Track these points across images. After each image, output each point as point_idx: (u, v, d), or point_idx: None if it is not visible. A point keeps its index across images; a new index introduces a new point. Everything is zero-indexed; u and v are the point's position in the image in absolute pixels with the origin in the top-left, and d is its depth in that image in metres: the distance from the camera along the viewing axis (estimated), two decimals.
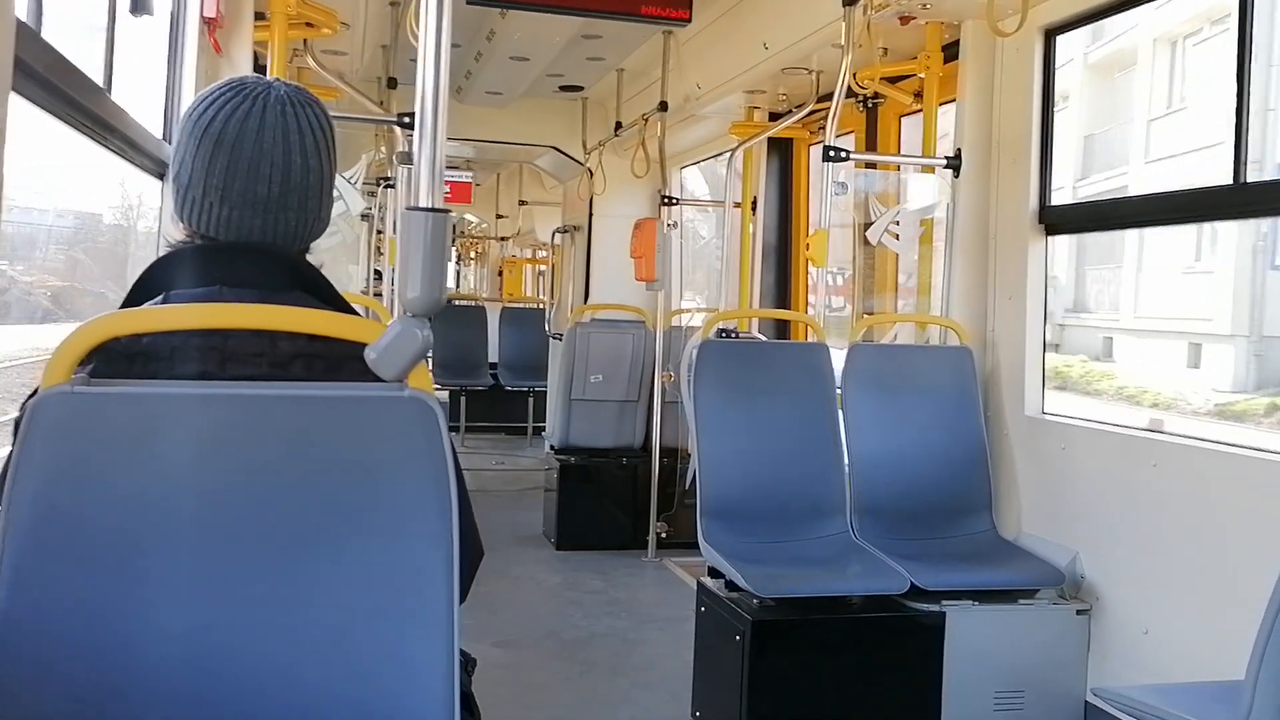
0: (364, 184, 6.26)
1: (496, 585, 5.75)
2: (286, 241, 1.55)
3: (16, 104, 1.77)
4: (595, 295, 8.02)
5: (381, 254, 8.08)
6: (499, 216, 13.26)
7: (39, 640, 1.28)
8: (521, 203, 12.14)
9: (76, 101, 2.24)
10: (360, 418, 1.35)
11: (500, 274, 14.78)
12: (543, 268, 14.11)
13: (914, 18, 4.30)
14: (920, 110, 4.94)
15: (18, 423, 1.30)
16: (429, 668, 1.34)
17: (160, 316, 1.41)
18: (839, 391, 4.10)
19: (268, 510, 1.33)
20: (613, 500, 6.89)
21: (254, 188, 1.50)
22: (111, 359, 1.39)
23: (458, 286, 16.78)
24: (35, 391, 1.29)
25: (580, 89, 7.55)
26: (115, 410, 1.31)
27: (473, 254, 16.52)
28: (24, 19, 1.91)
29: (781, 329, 6.76)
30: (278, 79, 1.58)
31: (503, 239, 14.04)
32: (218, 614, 1.31)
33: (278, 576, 1.32)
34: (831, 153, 4.23)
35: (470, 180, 11.56)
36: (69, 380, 1.28)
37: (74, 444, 1.29)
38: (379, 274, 8.34)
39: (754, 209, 7.06)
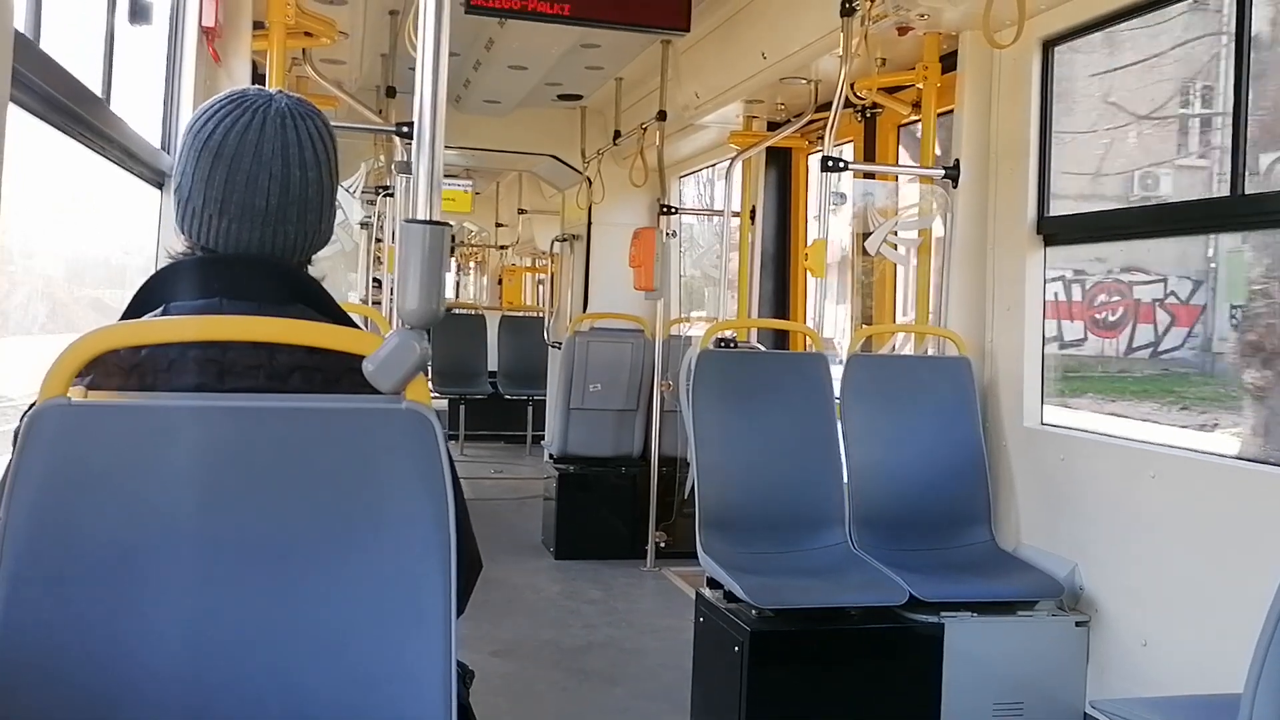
0: (363, 192, 6.27)
1: (496, 594, 5.74)
2: (286, 253, 1.54)
3: (15, 115, 1.77)
4: (594, 304, 8.02)
5: (381, 263, 8.08)
6: (499, 225, 13.27)
7: (38, 651, 1.27)
8: (521, 211, 12.16)
9: (75, 112, 2.24)
10: (357, 430, 1.35)
11: (500, 282, 14.78)
12: (542, 276, 14.11)
13: (912, 28, 4.30)
14: (918, 120, 4.95)
15: (16, 434, 1.30)
16: (426, 679, 1.33)
17: (159, 329, 1.40)
18: (837, 402, 4.10)
19: (265, 522, 1.32)
20: (612, 509, 6.88)
21: (253, 200, 1.50)
22: (110, 371, 1.39)
23: (457, 295, 16.78)
24: (34, 404, 1.28)
25: (579, 98, 7.55)
26: (113, 422, 1.31)
27: (472, 263, 16.51)
28: (22, 29, 1.91)
29: (780, 338, 6.76)
30: (279, 91, 1.58)
31: (502, 247, 14.05)
32: (215, 626, 1.31)
33: (275, 588, 1.32)
34: (830, 162, 4.24)
35: (469, 189, 11.56)
36: (67, 392, 1.27)
37: (72, 456, 1.29)
38: (378, 283, 8.34)
39: (753, 218, 7.07)
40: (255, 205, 1.50)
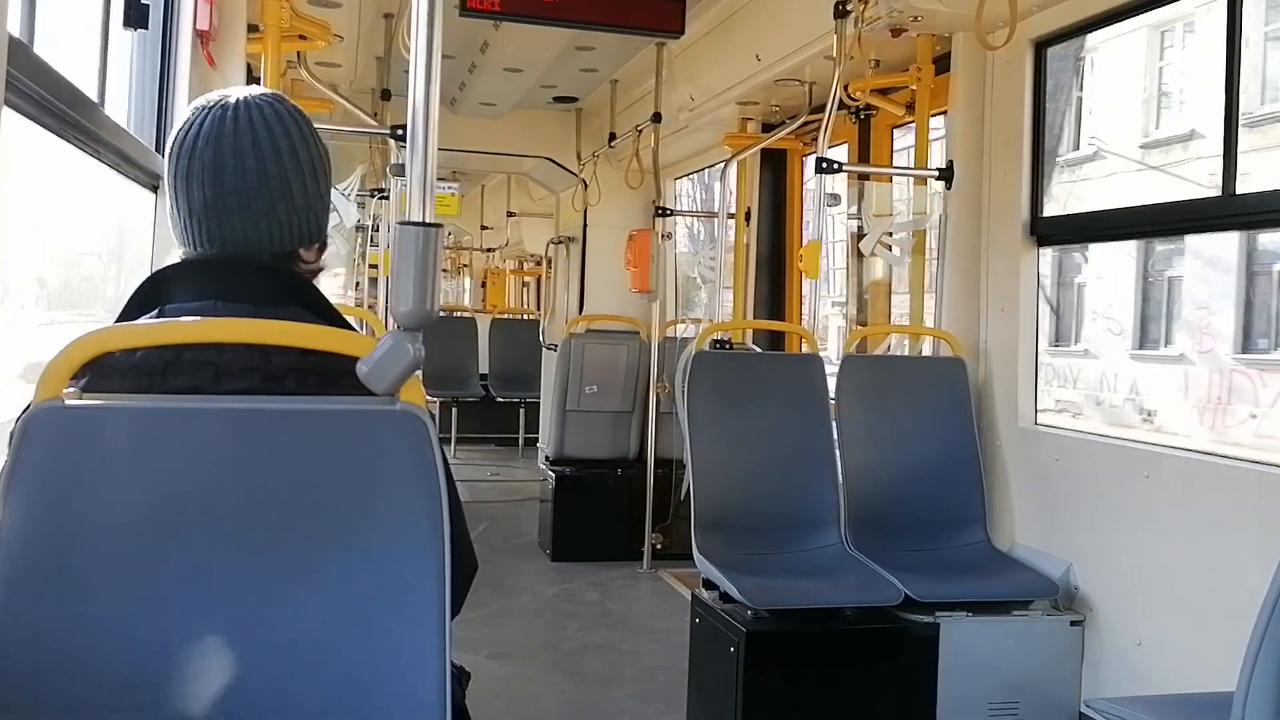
0: (358, 195, 6.26)
1: (492, 597, 5.74)
2: (241, 246, 1.52)
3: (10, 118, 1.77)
4: (590, 306, 8.02)
5: (376, 266, 8.07)
6: (484, 228, 13.25)
7: (32, 654, 1.27)
8: (510, 214, 12.15)
9: (69, 116, 2.24)
10: (351, 431, 1.35)
11: (484, 285, 14.80)
12: (527, 279, 14.13)
13: (905, 30, 4.31)
14: (912, 121, 4.96)
15: (11, 436, 1.30)
16: (421, 681, 1.33)
17: (153, 331, 1.40)
18: (833, 402, 4.10)
19: (259, 524, 1.33)
20: (608, 511, 6.88)
21: (191, 192, 1.51)
22: (105, 373, 1.39)
23: None
24: (29, 405, 1.29)
25: (574, 100, 7.56)
26: (108, 425, 1.31)
27: (457, 265, 16.44)
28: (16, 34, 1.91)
29: (775, 339, 6.76)
30: (255, 88, 1.59)
31: (488, 250, 14.04)
32: (209, 627, 1.31)
33: (270, 590, 1.32)
34: (824, 164, 4.24)
35: (456, 192, 11.53)
36: (62, 395, 1.28)
37: (66, 458, 1.29)
38: (374, 283, 8.33)
39: (748, 220, 7.08)
40: (194, 198, 1.51)
